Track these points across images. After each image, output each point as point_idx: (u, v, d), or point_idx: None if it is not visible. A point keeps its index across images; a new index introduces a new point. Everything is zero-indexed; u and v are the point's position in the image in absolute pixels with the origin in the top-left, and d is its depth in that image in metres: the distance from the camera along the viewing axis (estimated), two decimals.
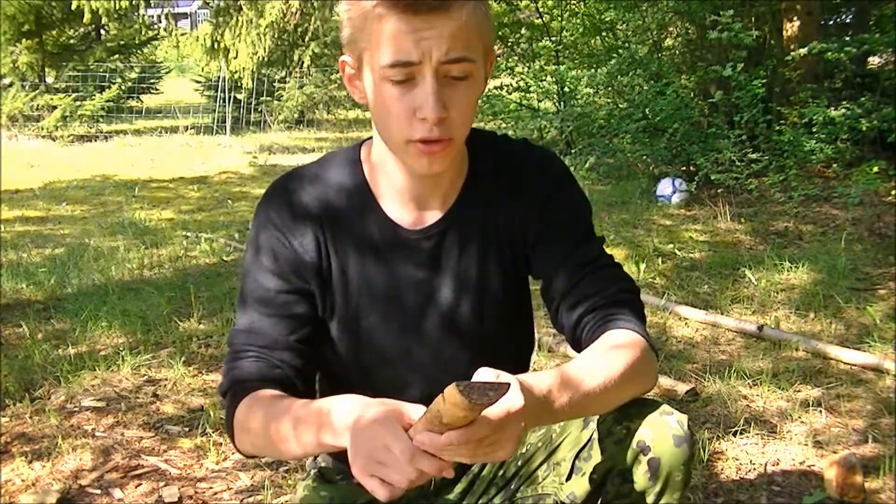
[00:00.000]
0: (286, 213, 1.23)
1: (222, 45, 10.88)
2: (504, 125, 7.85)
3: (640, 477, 1.14)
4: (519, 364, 1.42)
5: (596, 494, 1.21)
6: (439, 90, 1.07)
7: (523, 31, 9.21)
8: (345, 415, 0.99)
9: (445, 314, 1.27)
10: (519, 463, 1.33)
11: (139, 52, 13.42)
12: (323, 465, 1.40)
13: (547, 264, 1.26)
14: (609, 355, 1.13)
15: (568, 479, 1.24)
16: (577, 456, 1.23)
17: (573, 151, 7.20)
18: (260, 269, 1.23)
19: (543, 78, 7.76)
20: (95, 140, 10.60)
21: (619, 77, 6.73)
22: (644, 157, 6.40)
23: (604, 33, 7.86)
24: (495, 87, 8.11)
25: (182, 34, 11.88)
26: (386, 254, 1.25)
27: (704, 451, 2.16)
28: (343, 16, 1.13)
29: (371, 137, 1.26)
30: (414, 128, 1.09)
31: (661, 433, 1.13)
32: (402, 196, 1.24)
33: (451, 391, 0.84)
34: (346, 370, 1.30)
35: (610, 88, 7.02)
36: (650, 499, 1.15)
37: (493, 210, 1.26)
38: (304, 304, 1.23)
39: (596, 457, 1.19)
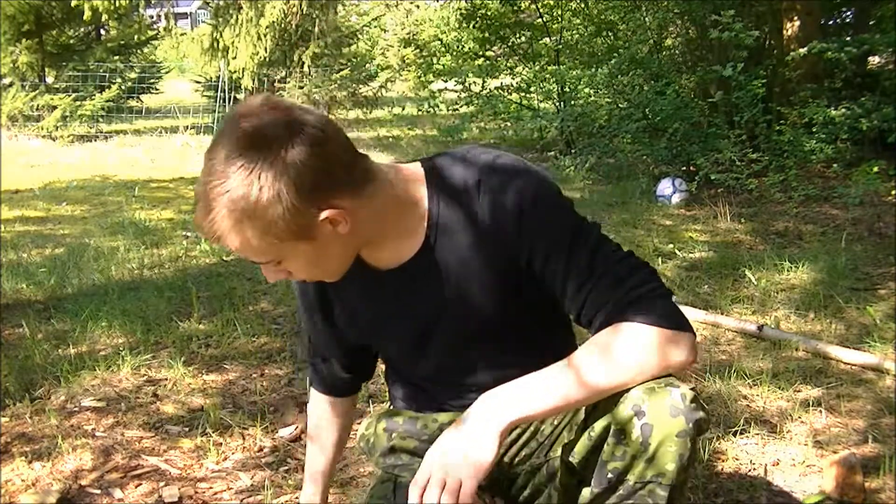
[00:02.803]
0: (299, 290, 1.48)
1: (221, 44, 10.88)
2: (504, 125, 7.86)
3: (634, 441, 1.15)
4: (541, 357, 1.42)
5: (594, 454, 1.22)
6: (272, 269, 1.21)
7: (524, 31, 9.23)
8: None
9: (434, 336, 1.34)
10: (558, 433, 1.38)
11: (139, 52, 13.42)
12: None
13: (557, 286, 1.25)
14: (589, 364, 1.17)
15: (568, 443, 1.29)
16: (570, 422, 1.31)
17: (573, 151, 7.20)
18: (300, 304, 1.49)
19: (544, 78, 7.77)
20: (95, 140, 10.60)
21: (619, 77, 6.73)
22: (644, 157, 6.41)
23: (604, 33, 7.86)
24: (495, 88, 8.12)
25: (181, 34, 11.88)
26: (369, 291, 1.34)
27: (705, 452, 2.16)
28: None
29: None
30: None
31: (658, 401, 1.14)
32: (375, 244, 1.28)
33: None
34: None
35: (610, 88, 7.02)
36: (640, 465, 1.15)
37: (461, 242, 1.26)
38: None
39: (593, 416, 1.22)
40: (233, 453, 2.24)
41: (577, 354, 1.19)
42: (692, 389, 1.18)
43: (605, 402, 1.19)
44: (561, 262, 1.22)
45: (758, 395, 2.55)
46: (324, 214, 1.12)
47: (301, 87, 11.68)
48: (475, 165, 1.25)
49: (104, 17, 10.71)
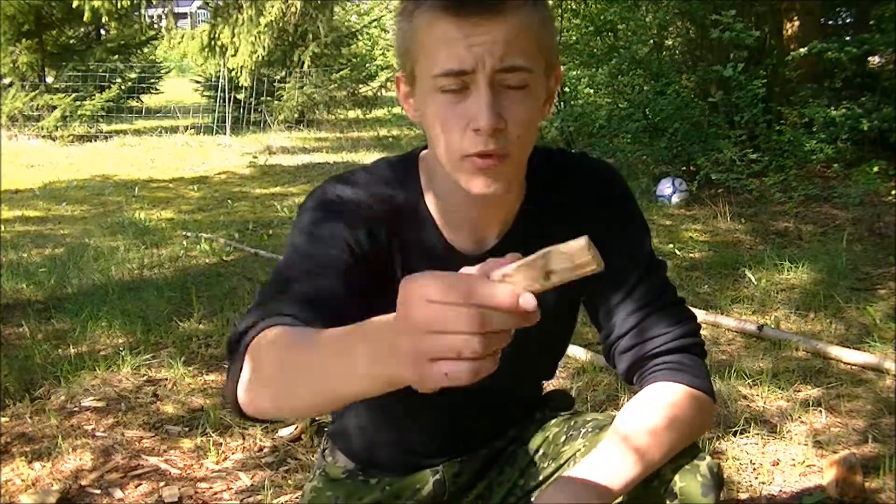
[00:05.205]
0: (341, 208, 1.11)
1: (220, 42, 10.88)
2: None
3: None
4: (546, 375, 1.42)
5: None
6: (494, 100, 0.99)
7: None
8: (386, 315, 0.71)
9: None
10: (541, 477, 1.30)
11: (139, 51, 13.43)
12: (328, 460, 1.39)
13: (604, 300, 1.21)
14: (647, 436, 1.11)
15: None
16: None
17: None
18: (301, 238, 1.09)
19: None
20: (95, 140, 10.60)
21: (619, 77, 6.73)
22: (644, 157, 6.41)
23: (604, 33, 7.86)
24: None
25: (181, 33, 11.89)
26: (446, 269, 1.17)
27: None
28: (396, 27, 1.07)
29: (426, 148, 1.17)
30: (468, 141, 1.01)
31: (689, 481, 1.11)
32: (457, 219, 1.16)
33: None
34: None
35: (610, 88, 7.02)
36: None
37: (550, 234, 1.16)
38: (337, 286, 1.05)
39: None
40: (233, 453, 2.24)
41: (636, 428, 1.12)
42: (713, 457, 1.17)
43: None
44: (634, 270, 1.19)
45: (758, 395, 2.55)
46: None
47: (301, 87, 11.68)
48: (570, 154, 1.26)
49: (105, 18, 10.71)
